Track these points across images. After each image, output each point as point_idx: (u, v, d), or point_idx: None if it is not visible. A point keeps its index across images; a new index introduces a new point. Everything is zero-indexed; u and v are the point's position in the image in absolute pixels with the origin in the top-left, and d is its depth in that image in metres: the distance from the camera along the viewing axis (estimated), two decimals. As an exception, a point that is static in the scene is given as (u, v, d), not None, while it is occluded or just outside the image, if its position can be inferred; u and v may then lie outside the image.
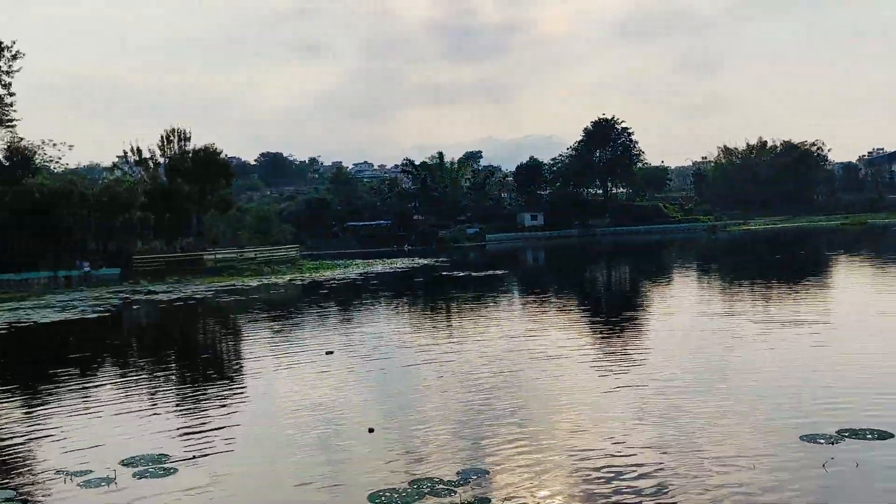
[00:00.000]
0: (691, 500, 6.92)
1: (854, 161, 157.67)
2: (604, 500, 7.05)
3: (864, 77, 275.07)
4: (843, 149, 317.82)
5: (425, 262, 56.23)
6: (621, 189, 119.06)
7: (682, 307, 22.24)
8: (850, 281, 28.69)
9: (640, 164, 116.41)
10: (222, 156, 59.83)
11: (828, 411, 9.54)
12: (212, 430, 10.28)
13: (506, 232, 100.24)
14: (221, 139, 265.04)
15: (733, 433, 8.92)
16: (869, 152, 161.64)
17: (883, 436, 8.37)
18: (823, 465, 7.58)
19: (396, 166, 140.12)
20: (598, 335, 17.78)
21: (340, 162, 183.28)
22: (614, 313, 22.14)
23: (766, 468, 7.65)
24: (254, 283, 41.69)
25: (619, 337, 17.16)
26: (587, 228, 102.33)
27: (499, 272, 42.07)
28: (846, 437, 8.41)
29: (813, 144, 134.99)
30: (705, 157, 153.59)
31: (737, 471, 7.61)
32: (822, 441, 8.32)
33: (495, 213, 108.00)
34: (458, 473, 7.91)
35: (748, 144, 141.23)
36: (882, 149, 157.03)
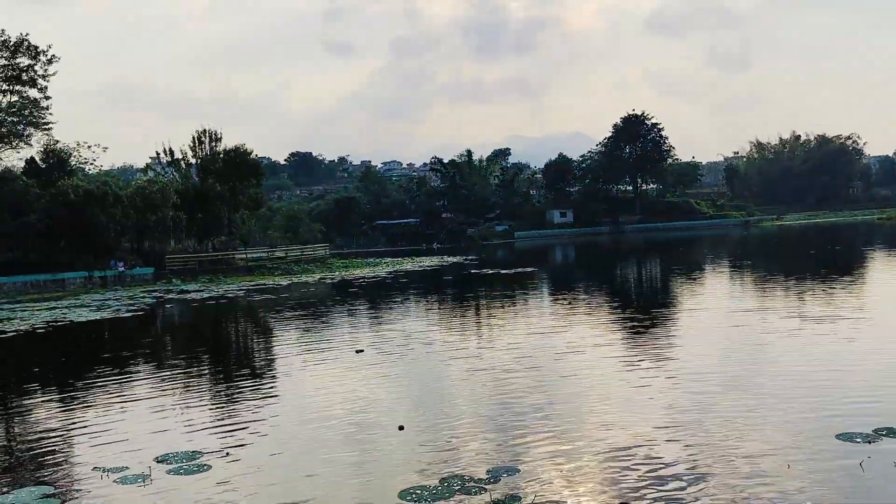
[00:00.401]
0: (723, 498, 6.84)
1: (891, 154, 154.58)
2: (635, 497, 7.00)
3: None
4: (880, 142, 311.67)
5: (454, 260, 56.24)
6: (651, 185, 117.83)
7: (713, 303, 22.00)
8: (888, 276, 28.14)
9: (670, 160, 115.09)
10: (252, 156, 60.32)
11: (864, 409, 9.38)
12: (244, 426, 10.39)
13: (535, 229, 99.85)
14: (252, 140, 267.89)
15: (766, 430, 8.81)
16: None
17: (924, 433, 8.21)
18: (860, 464, 7.46)
19: (425, 164, 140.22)
20: (629, 331, 17.65)
21: (369, 161, 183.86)
22: (645, 309, 21.94)
23: (801, 467, 7.54)
24: (284, 282, 42.03)
25: (649, 333, 17.01)
26: (617, 225, 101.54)
27: (528, 270, 41.95)
28: (883, 436, 8.27)
29: (848, 138, 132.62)
30: (737, 152, 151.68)
31: (770, 469, 7.52)
32: (858, 440, 8.18)
33: (524, 210, 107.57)
34: (488, 471, 7.91)
35: (781, 139, 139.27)
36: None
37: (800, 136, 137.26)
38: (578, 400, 11.05)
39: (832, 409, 9.55)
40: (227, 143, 59.71)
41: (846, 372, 11.64)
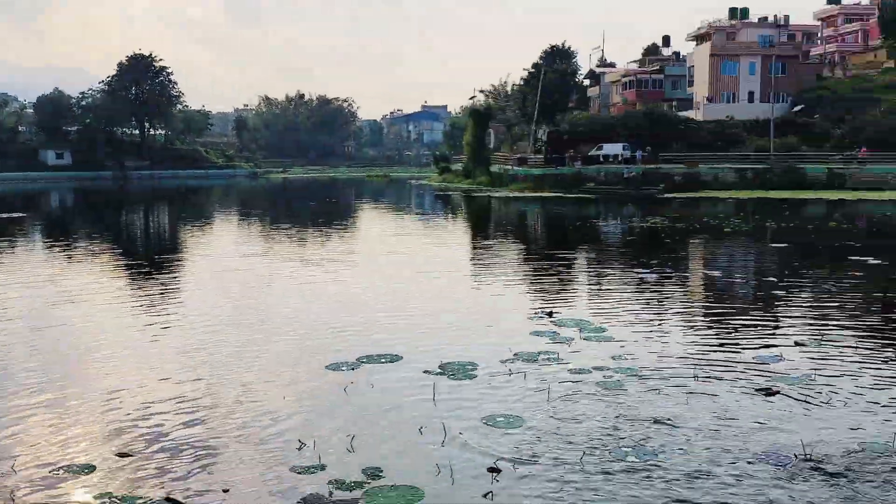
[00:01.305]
0: (223, 432, 7.03)
1: (378, 119, 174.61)
2: (133, 444, 6.75)
3: (388, 40, 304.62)
4: (370, 107, 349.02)
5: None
6: (160, 131, 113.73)
7: (219, 249, 22.40)
8: (371, 225, 32.00)
9: (179, 106, 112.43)
10: None
11: (349, 341, 10.53)
12: None
13: (24, 171, 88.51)
14: None
15: (265, 365, 9.32)
16: (391, 112, 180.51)
17: (394, 359, 9.54)
18: (345, 389, 8.37)
19: None
20: (134, 278, 16.93)
21: None
22: (151, 256, 21.29)
23: (294, 395, 8.17)
24: None
25: (156, 279, 16.56)
26: (123, 170, 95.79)
27: (17, 215, 37.09)
28: (364, 362, 9.39)
29: (345, 101, 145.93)
30: (247, 105, 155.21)
31: (267, 399, 7.97)
32: (344, 368, 9.15)
33: (10, 148, 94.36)
34: (-42, 440, 6.83)
35: (287, 96, 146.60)
36: (401, 110, 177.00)
37: (304, 94, 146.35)
38: (77, 349, 10.26)
39: (323, 342, 10.52)
40: None
41: (335, 309, 12.93)
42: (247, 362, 9.47)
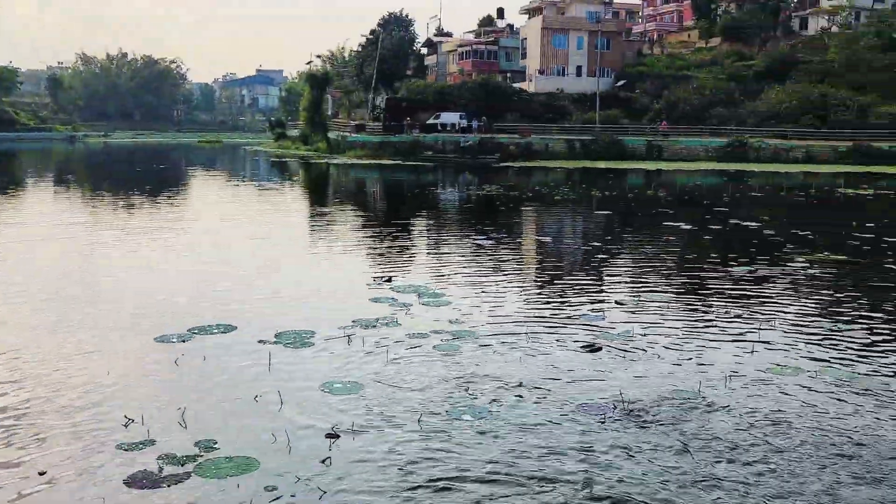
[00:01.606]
0: (32, 406, 6.54)
1: (210, 83, 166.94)
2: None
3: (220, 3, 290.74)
4: (202, 70, 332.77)
5: None
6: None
7: (33, 217, 20.65)
8: (202, 193, 30.69)
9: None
10: None
11: (179, 312, 10.08)
12: None
13: None
14: None
15: (86, 338, 8.72)
16: (224, 76, 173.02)
17: (228, 329, 9.23)
18: (175, 361, 8.01)
19: None
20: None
21: None
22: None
23: (120, 369, 7.71)
24: None
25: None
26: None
27: None
28: (196, 333, 9.02)
29: (172, 62, 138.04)
30: (62, 63, 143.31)
31: (89, 374, 7.48)
32: (174, 340, 8.75)
33: None
34: None
35: (108, 55, 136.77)
36: (235, 74, 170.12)
37: (126, 53, 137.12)
38: None
39: (151, 313, 10.00)
40: None
41: (164, 278, 12.32)
42: (65, 335, 8.84)
